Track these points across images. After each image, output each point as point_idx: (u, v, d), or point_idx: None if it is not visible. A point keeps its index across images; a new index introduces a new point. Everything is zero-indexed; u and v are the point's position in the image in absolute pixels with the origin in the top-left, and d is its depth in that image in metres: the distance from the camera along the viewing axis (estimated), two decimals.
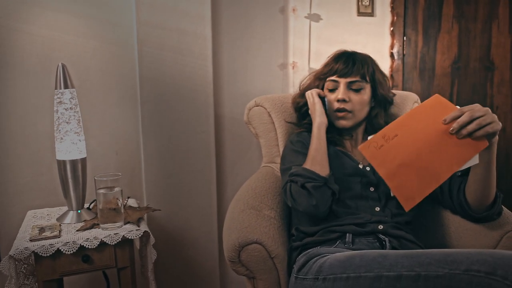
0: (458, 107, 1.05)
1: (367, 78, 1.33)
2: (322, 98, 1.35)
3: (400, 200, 1.05)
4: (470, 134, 1.02)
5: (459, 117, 1.02)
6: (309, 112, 1.36)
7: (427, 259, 0.89)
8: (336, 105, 1.32)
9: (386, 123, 1.35)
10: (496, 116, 1.03)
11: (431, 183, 1.04)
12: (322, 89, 1.38)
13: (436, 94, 1.08)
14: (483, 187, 1.14)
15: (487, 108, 1.02)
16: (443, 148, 1.03)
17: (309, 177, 1.19)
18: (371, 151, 1.06)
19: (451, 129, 1.02)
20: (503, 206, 1.24)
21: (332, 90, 1.34)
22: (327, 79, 1.35)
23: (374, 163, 1.07)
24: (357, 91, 1.32)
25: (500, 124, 1.03)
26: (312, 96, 1.34)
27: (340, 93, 1.31)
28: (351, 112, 1.32)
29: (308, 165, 1.22)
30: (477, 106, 1.03)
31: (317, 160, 1.22)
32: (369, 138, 1.12)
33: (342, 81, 1.32)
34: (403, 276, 0.89)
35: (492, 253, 0.85)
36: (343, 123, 1.33)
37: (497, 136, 1.07)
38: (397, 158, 1.05)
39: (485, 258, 0.83)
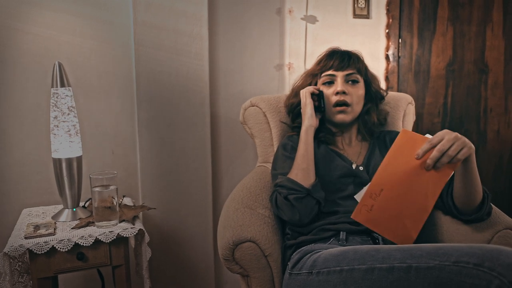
0: (428, 135, 1.09)
1: (362, 72, 1.35)
2: (320, 94, 1.32)
3: (398, 243, 1.07)
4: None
5: (429, 149, 1.04)
6: (301, 113, 1.35)
7: (418, 252, 0.91)
8: (335, 98, 1.31)
9: (379, 120, 1.40)
10: (466, 140, 1.04)
11: (422, 216, 1.07)
12: (315, 85, 1.38)
13: (403, 129, 1.11)
14: (468, 193, 1.16)
15: (456, 135, 1.04)
16: (423, 181, 1.06)
17: (292, 188, 1.19)
18: (364, 215, 1.08)
19: (426, 166, 1.05)
20: (493, 205, 1.25)
21: (328, 84, 1.34)
22: (323, 74, 1.35)
23: (371, 226, 1.09)
24: (354, 84, 1.33)
25: (473, 147, 1.05)
26: (304, 96, 1.33)
27: (339, 85, 1.31)
28: (350, 105, 1.31)
29: (293, 174, 1.23)
30: (446, 135, 1.04)
31: (302, 168, 1.22)
32: (357, 198, 1.15)
33: (340, 74, 1.32)
34: (395, 268, 0.91)
35: (481, 246, 0.87)
36: (342, 117, 1.32)
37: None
38: (388, 212, 1.07)
39: (474, 251, 0.85)
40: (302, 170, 1.22)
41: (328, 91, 1.33)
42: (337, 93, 1.31)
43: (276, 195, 1.23)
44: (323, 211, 1.24)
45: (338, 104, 1.31)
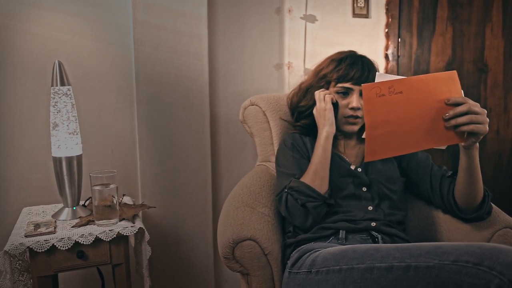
0: (462, 92, 1.08)
1: None
2: (335, 105, 1.30)
3: (366, 149, 1.05)
4: (456, 127, 1.05)
5: (460, 104, 1.04)
6: (315, 115, 1.31)
7: (418, 251, 0.91)
8: (349, 112, 1.29)
9: None
10: (488, 121, 1.05)
11: (397, 150, 1.07)
12: (327, 89, 1.34)
13: (455, 71, 1.08)
14: (469, 190, 1.17)
15: (484, 110, 1.05)
16: (428, 125, 1.05)
17: (310, 195, 1.17)
18: (371, 94, 1.02)
19: (446, 114, 1.04)
20: (493, 205, 1.26)
21: (343, 95, 1.30)
22: (339, 84, 1.30)
23: (366, 107, 1.04)
24: None
25: (487, 129, 1.05)
26: (324, 101, 1.28)
27: (355, 101, 1.28)
28: (361, 118, 1.31)
29: (308, 179, 1.20)
30: (477, 106, 1.05)
31: (319, 175, 1.20)
32: (378, 76, 1.10)
33: (357, 89, 1.28)
34: (394, 267, 0.91)
35: (480, 245, 0.87)
36: (353, 128, 1.32)
37: (477, 144, 1.10)
38: (389, 114, 1.04)
39: (473, 250, 0.85)
40: (320, 178, 1.20)
41: (341, 101, 1.31)
42: (352, 108, 1.29)
43: (287, 197, 1.20)
44: None
45: (352, 117, 1.30)
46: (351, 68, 1.29)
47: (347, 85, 1.29)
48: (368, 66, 1.31)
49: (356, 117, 1.30)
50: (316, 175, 1.20)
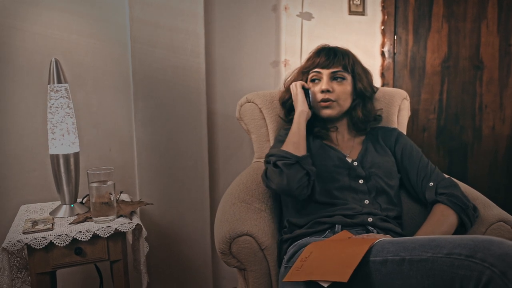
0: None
1: (349, 69, 1.37)
2: (306, 90, 1.38)
3: (334, 279, 0.92)
4: None
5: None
6: (293, 103, 1.39)
7: (412, 244, 0.92)
8: (321, 96, 1.36)
9: (365, 117, 1.41)
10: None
11: (355, 258, 0.95)
12: (306, 82, 1.41)
13: (345, 231, 1.18)
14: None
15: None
16: (349, 241, 1.07)
17: (281, 156, 1.23)
18: (294, 274, 1.00)
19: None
20: (486, 198, 1.27)
21: (315, 81, 1.38)
22: (310, 71, 1.39)
23: (297, 278, 0.99)
24: (340, 81, 1.36)
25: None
26: (295, 87, 1.39)
27: (324, 83, 1.35)
28: (335, 101, 1.35)
29: (283, 147, 1.27)
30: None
31: (293, 141, 1.27)
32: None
33: (325, 72, 1.36)
34: (388, 261, 0.92)
35: (473, 237, 0.87)
36: (328, 112, 1.36)
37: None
38: (318, 262, 0.99)
39: (466, 242, 0.86)
40: (293, 143, 1.26)
41: (315, 88, 1.38)
42: (322, 91, 1.35)
43: (266, 167, 1.26)
44: (320, 201, 1.26)
45: (323, 100, 1.35)
46: (317, 55, 1.39)
47: (315, 70, 1.38)
48: (334, 51, 1.39)
49: (328, 99, 1.35)
50: (290, 142, 1.27)
